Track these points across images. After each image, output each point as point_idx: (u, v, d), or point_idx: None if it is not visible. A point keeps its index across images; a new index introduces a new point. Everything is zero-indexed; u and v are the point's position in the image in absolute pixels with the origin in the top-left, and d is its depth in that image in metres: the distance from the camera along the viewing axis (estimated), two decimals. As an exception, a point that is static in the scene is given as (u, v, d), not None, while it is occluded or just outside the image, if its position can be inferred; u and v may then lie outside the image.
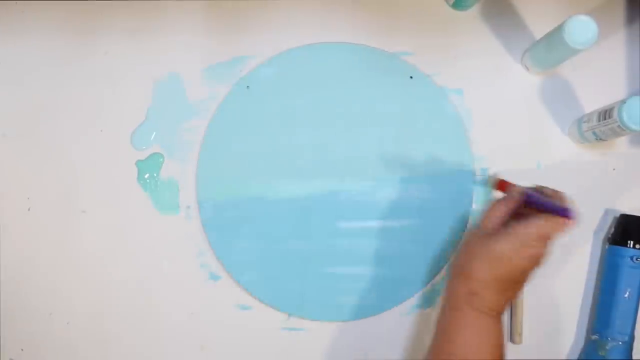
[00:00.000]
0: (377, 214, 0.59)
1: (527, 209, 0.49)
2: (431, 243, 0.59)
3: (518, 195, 0.50)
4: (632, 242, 0.56)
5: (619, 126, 0.52)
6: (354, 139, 0.60)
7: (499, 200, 0.51)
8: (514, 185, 0.51)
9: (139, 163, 0.60)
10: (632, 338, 0.56)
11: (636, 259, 0.56)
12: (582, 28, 0.52)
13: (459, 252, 0.52)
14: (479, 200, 0.60)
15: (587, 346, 0.58)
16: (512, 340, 0.58)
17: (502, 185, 0.51)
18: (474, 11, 0.62)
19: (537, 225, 0.47)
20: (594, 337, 0.57)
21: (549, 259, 0.48)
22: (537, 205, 0.49)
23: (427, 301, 0.59)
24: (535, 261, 0.48)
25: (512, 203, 0.50)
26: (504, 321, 0.58)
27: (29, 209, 0.60)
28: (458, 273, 0.50)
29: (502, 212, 0.50)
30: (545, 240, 0.47)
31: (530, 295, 0.58)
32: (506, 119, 0.61)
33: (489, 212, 0.50)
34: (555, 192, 0.50)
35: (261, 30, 0.61)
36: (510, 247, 0.47)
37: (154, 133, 0.61)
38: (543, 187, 0.51)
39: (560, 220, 0.47)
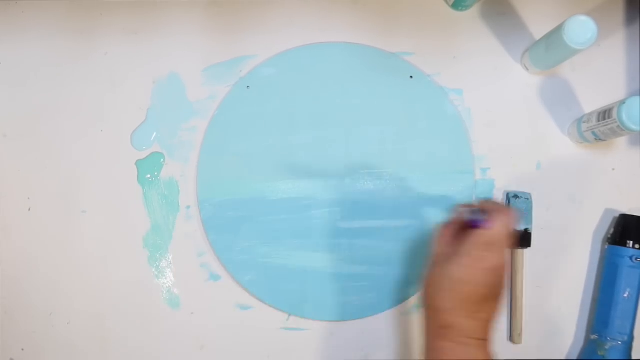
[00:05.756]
0: (377, 214, 0.59)
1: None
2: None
3: (457, 215, 0.48)
4: (631, 242, 0.56)
5: (618, 126, 0.52)
6: (353, 139, 0.60)
7: (442, 225, 0.50)
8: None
9: (138, 163, 0.60)
10: (631, 338, 0.56)
11: (636, 259, 0.56)
12: (581, 28, 0.52)
13: (423, 288, 0.49)
14: (478, 201, 0.60)
15: (587, 346, 0.58)
16: (512, 340, 0.58)
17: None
18: (473, 11, 0.62)
19: (480, 235, 0.45)
20: (594, 337, 0.57)
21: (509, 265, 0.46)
22: (472, 223, 0.47)
23: (427, 301, 0.59)
24: (493, 273, 0.45)
25: (454, 224, 0.49)
26: (503, 325, 0.59)
27: (29, 209, 0.60)
28: (427, 308, 0.48)
29: (447, 235, 0.48)
30: (494, 247, 0.45)
31: (530, 295, 0.58)
32: (506, 119, 0.61)
33: (436, 239, 0.49)
34: (488, 203, 0.48)
35: (261, 30, 0.61)
36: (463, 267, 0.45)
37: (154, 133, 0.61)
38: (486, 201, 0.49)
39: (497, 219, 0.46)
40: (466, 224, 0.48)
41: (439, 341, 0.46)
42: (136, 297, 0.59)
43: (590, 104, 0.60)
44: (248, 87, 0.61)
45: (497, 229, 0.46)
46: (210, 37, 0.61)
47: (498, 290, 0.47)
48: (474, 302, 0.45)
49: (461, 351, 0.46)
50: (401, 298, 0.59)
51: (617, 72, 0.61)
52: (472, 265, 0.45)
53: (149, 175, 0.60)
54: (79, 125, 0.61)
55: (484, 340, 0.46)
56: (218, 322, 0.59)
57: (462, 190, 0.59)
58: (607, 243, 0.58)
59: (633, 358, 0.56)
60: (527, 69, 0.61)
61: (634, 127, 0.52)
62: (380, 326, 0.59)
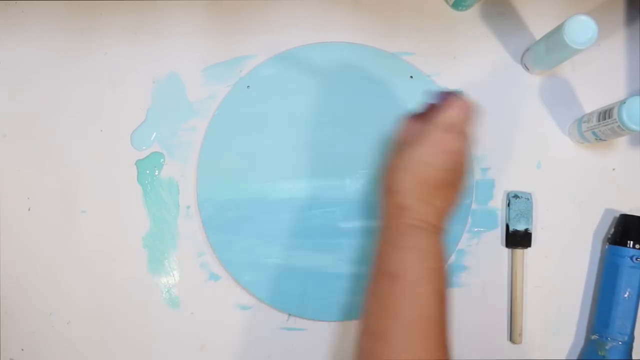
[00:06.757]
0: (377, 214, 0.59)
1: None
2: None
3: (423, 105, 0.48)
4: (632, 242, 0.56)
5: (618, 126, 0.52)
6: (354, 139, 0.60)
7: (406, 116, 0.50)
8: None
9: (138, 162, 0.60)
10: (631, 338, 0.56)
11: (636, 259, 0.56)
12: (582, 28, 0.52)
13: (384, 173, 0.48)
14: (479, 200, 0.60)
15: (587, 346, 0.58)
16: (512, 340, 0.58)
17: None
18: (473, 11, 0.62)
19: (439, 117, 0.46)
20: (594, 337, 0.57)
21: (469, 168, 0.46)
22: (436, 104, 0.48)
23: (427, 301, 0.59)
24: (452, 157, 0.46)
25: (417, 115, 0.49)
26: (503, 325, 0.59)
27: (29, 209, 0.60)
28: (385, 191, 0.48)
29: (410, 124, 0.48)
30: (454, 129, 0.46)
31: (530, 295, 0.58)
32: (506, 119, 0.61)
33: (400, 128, 0.49)
34: (446, 93, 0.48)
35: (261, 30, 0.61)
36: (422, 148, 0.45)
37: (154, 133, 0.61)
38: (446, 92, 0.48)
39: (454, 102, 0.46)
40: (428, 110, 0.48)
41: (393, 220, 0.46)
42: (136, 297, 0.59)
43: (591, 103, 0.60)
44: (248, 87, 0.61)
45: (456, 111, 0.45)
46: (210, 37, 0.61)
47: (457, 177, 0.47)
48: (431, 186, 0.45)
49: (413, 232, 0.46)
50: (401, 298, 0.58)
51: (617, 72, 0.61)
52: (431, 146, 0.45)
53: (148, 175, 0.60)
54: (79, 125, 0.61)
55: (437, 227, 0.46)
56: (218, 322, 0.59)
57: (462, 190, 0.59)
58: (608, 243, 0.58)
59: (633, 358, 0.56)
60: (527, 69, 0.61)
61: (634, 127, 0.52)
62: (380, 326, 0.58)
